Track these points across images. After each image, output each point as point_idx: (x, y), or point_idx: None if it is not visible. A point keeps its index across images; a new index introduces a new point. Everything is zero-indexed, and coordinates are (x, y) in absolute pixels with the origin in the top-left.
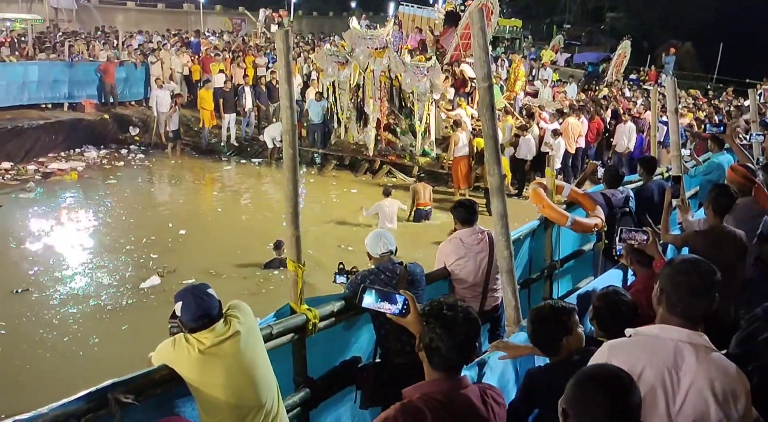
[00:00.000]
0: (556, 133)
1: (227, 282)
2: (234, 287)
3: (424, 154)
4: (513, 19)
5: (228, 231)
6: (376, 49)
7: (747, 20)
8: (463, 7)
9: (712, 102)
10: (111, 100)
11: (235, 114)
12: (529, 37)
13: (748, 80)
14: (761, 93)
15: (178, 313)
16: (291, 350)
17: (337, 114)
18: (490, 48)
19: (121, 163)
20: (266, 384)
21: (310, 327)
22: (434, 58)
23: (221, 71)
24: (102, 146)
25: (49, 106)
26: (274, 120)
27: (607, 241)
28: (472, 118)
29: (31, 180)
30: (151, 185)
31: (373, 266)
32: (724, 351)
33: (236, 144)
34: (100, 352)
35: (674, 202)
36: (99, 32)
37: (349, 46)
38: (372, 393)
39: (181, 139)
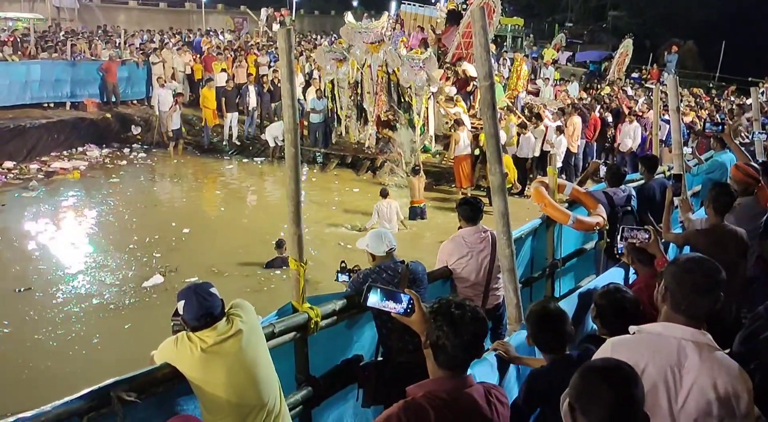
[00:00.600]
0: (559, 130)
1: (229, 281)
2: (236, 285)
3: (425, 149)
4: (515, 17)
5: (230, 229)
6: (372, 42)
7: (749, 19)
8: (465, 6)
9: (714, 100)
10: (113, 99)
11: (237, 113)
12: (531, 35)
13: (750, 78)
14: (763, 91)
15: (181, 312)
16: (293, 348)
17: (336, 112)
18: (493, 47)
19: (124, 162)
20: (268, 383)
21: (312, 326)
22: (429, 51)
23: (223, 70)
24: (104, 145)
25: (52, 105)
26: (276, 119)
27: (608, 240)
28: (475, 117)
29: (34, 179)
30: (154, 184)
31: (374, 265)
32: (727, 351)
33: (238, 143)
34: (103, 351)
35: (676, 201)
36: (101, 31)
37: (347, 43)
38: (374, 392)
39: (183, 137)
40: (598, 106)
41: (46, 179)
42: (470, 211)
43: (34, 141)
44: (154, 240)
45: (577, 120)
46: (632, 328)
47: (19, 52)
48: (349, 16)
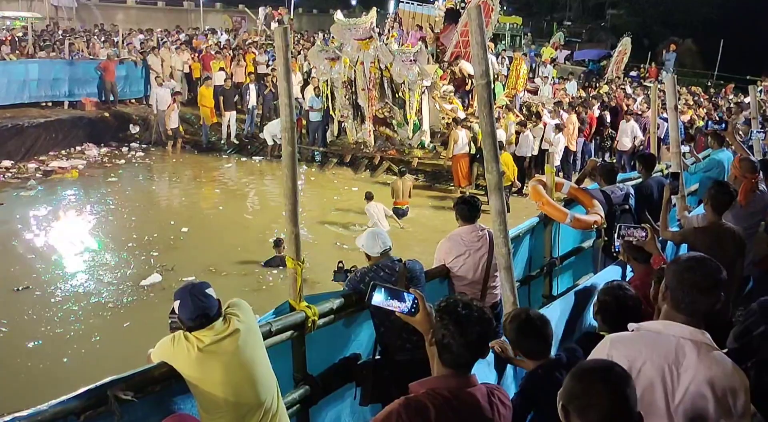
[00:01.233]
0: (558, 128)
1: (227, 280)
2: (234, 284)
3: (421, 145)
4: (513, 16)
5: (228, 228)
6: (362, 39)
7: (748, 17)
8: (463, 5)
9: (713, 99)
10: (111, 98)
11: (235, 111)
12: (530, 34)
13: (748, 77)
14: (761, 89)
15: (176, 312)
16: (290, 347)
17: (330, 112)
18: (492, 46)
19: (122, 161)
20: (265, 382)
21: (310, 325)
22: (420, 44)
23: (222, 69)
24: (102, 144)
25: (50, 104)
26: (274, 117)
27: (606, 238)
28: (473, 116)
29: (32, 178)
30: (152, 183)
31: (371, 264)
32: (725, 350)
33: (236, 141)
34: (101, 350)
35: (673, 199)
36: (99, 30)
37: (338, 41)
38: (372, 390)
39: (182, 136)
40: (597, 104)
41: (45, 178)
42: (468, 210)
43: (32, 140)
44: (152, 238)
45: (575, 118)
46: (631, 325)
47: (17, 51)
48: (338, 14)
